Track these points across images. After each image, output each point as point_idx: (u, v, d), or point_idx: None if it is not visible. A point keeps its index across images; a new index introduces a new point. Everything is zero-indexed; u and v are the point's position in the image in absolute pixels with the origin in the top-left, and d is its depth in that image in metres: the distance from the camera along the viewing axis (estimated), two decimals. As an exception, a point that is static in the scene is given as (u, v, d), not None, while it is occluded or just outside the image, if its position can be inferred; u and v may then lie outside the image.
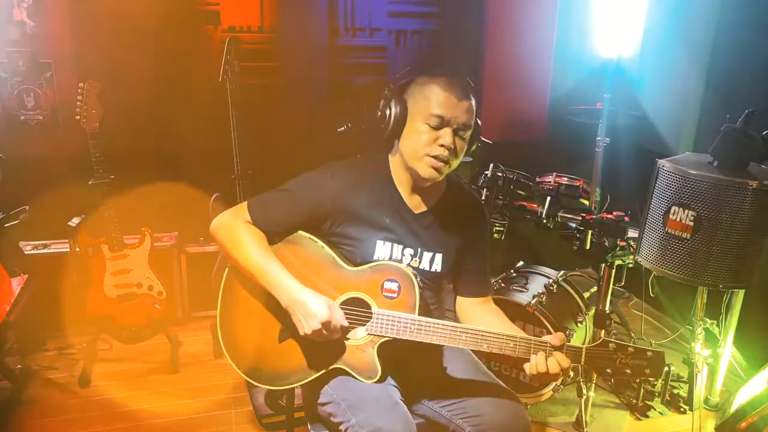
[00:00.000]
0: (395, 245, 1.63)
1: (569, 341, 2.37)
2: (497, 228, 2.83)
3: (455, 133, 1.55)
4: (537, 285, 2.60)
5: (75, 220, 2.63)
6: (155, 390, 2.69)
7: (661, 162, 2.03)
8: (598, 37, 2.69)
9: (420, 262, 1.66)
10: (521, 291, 2.53)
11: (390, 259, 1.63)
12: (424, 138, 1.54)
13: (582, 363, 1.48)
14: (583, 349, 1.48)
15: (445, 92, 1.53)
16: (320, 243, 1.62)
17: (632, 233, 2.31)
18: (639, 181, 2.35)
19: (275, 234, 1.64)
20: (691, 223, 1.91)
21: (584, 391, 2.42)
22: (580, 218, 2.45)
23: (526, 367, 1.50)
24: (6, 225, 2.51)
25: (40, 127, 3.03)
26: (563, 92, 3.51)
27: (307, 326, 1.50)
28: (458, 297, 1.78)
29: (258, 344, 1.64)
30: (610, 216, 2.32)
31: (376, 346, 1.55)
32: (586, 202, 2.62)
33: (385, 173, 1.66)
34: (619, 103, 2.57)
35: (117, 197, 2.60)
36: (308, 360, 1.60)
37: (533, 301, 2.41)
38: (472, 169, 2.87)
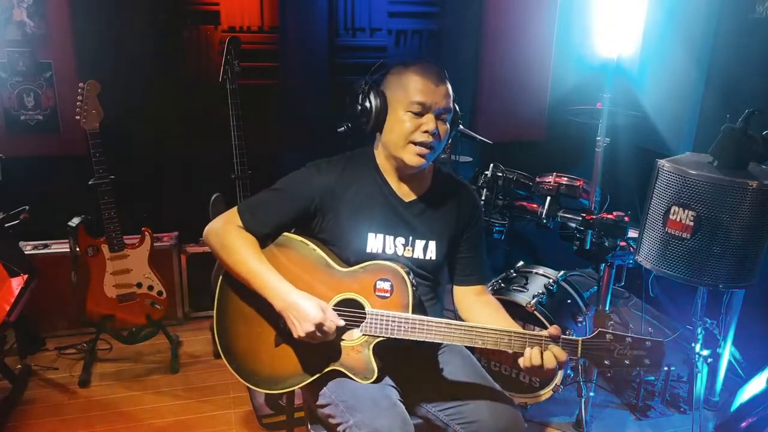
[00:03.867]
0: (387, 236, 1.64)
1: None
2: (497, 228, 2.84)
3: (437, 117, 1.57)
4: (537, 285, 2.60)
5: (75, 220, 2.63)
6: (155, 390, 2.70)
7: (661, 162, 2.03)
8: (598, 37, 2.69)
9: (413, 251, 1.66)
10: (521, 291, 2.53)
11: (383, 250, 1.63)
12: (408, 126, 1.56)
13: (579, 355, 1.45)
14: (579, 342, 1.45)
15: (423, 79, 1.55)
16: (311, 245, 1.63)
17: (632, 233, 2.31)
18: (639, 181, 2.35)
19: (267, 236, 1.65)
20: (691, 223, 1.91)
21: (584, 391, 2.43)
22: (580, 218, 2.45)
23: (520, 361, 1.47)
24: (6, 225, 2.51)
25: (40, 127, 3.03)
26: (563, 92, 3.50)
27: (300, 329, 1.49)
28: (455, 287, 1.77)
29: (255, 349, 1.64)
30: (610, 216, 2.32)
31: (371, 347, 1.55)
32: (586, 202, 2.62)
33: (372, 165, 1.68)
34: (619, 103, 2.57)
35: (117, 197, 2.60)
36: (304, 363, 1.60)
37: (533, 301, 2.41)
38: (472, 169, 2.86)
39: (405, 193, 1.68)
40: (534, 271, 2.74)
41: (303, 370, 1.60)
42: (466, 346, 1.82)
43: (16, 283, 2.55)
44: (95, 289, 2.66)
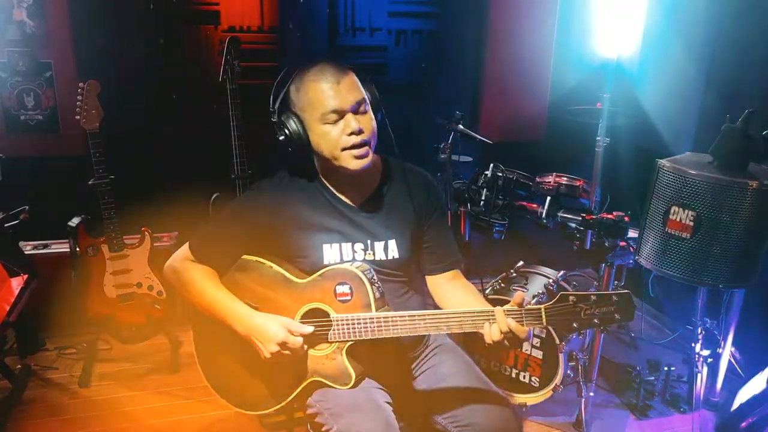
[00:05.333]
0: (343, 244, 1.61)
1: (568, 341, 2.38)
2: (497, 228, 2.84)
3: (355, 113, 1.52)
4: (537, 285, 2.60)
5: (75, 220, 2.63)
6: (155, 390, 2.70)
7: (661, 162, 2.03)
8: (598, 37, 2.69)
9: (374, 254, 1.62)
10: (521, 291, 2.53)
11: (341, 259, 1.60)
12: (332, 136, 1.52)
13: (544, 323, 1.42)
14: (542, 309, 1.42)
15: (323, 84, 1.50)
16: (268, 263, 1.62)
17: (632, 233, 2.31)
18: (639, 181, 2.35)
19: (224, 265, 1.65)
20: (691, 223, 1.91)
21: (584, 391, 2.42)
22: (580, 218, 2.45)
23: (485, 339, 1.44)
24: (6, 225, 2.51)
25: (40, 127, 3.03)
26: (563, 92, 3.50)
27: (265, 351, 1.50)
28: (427, 277, 1.73)
29: (238, 376, 1.66)
30: (610, 216, 2.32)
31: (343, 352, 1.54)
32: (586, 202, 2.62)
33: (314, 176, 1.65)
34: (619, 103, 2.57)
35: (117, 197, 2.60)
36: (283, 381, 1.61)
37: (533, 301, 2.41)
38: (472, 169, 2.86)
39: (352, 197, 1.64)
40: (534, 271, 2.74)
41: (284, 387, 1.61)
42: (464, 345, 1.82)
43: (16, 283, 2.56)
44: (95, 289, 2.66)
